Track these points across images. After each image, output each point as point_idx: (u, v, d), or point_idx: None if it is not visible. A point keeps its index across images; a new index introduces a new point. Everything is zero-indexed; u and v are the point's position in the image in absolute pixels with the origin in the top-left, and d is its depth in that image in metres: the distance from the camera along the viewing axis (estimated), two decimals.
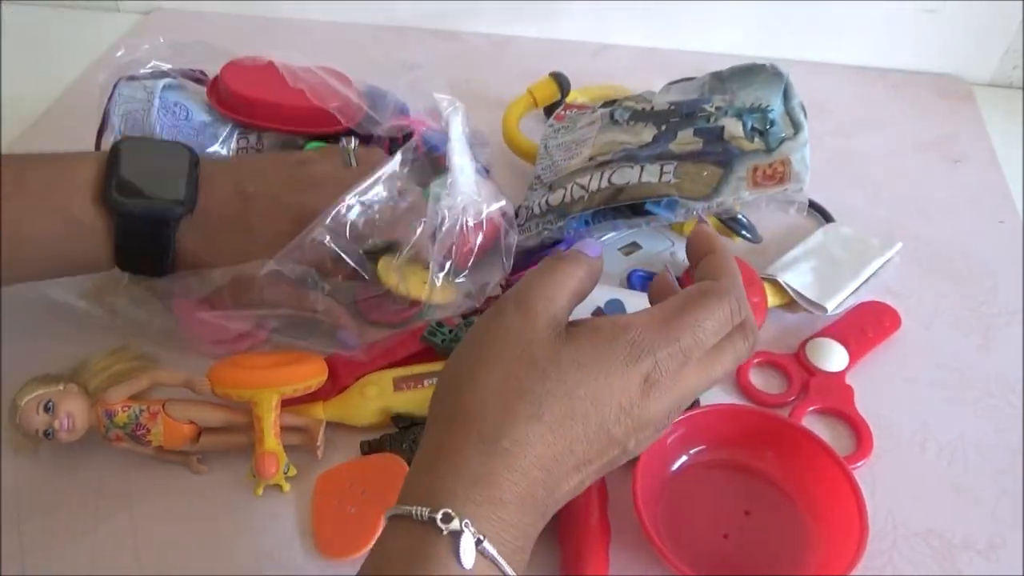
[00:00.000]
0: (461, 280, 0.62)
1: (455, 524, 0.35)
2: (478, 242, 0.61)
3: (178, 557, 0.52)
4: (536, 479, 0.38)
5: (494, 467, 0.37)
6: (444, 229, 0.59)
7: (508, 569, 0.36)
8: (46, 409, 0.53)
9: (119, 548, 0.52)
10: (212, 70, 0.72)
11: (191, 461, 0.56)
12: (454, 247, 0.60)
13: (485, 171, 0.67)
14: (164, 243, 0.57)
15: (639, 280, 0.66)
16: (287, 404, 0.57)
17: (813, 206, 0.76)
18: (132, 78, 0.69)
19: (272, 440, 0.54)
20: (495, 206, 0.62)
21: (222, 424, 0.56)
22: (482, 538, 0.35)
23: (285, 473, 0.54)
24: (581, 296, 0.43)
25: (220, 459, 0.57)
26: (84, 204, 0.55)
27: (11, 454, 0.56)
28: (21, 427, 0.53)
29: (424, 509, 0.35)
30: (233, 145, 0.69)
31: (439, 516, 0.35)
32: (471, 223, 0.60)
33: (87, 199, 0.55)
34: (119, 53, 0.70)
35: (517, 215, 0.70)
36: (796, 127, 0.66)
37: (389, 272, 0.60)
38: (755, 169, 0.63)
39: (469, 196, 0.61)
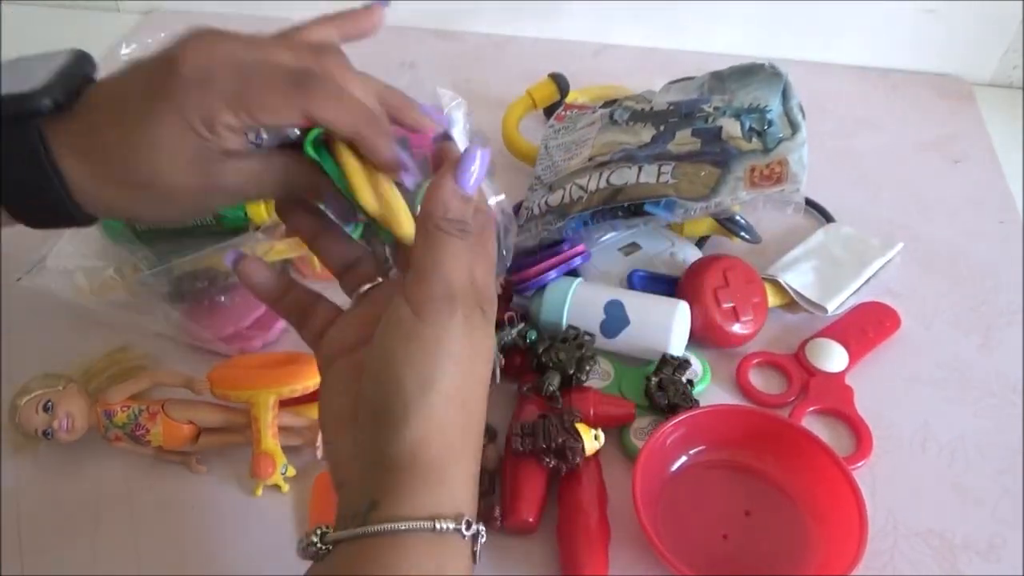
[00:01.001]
0: None
1: (473, 528, 0.36)
2: None
3: (178, 557, 0.52)
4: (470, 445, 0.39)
5: (477, 452, 0.39)
6: None
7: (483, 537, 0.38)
8: (45, 409, 0.53)
9: (119, 548, 0.52)
10: None
11: (190, 461, 0.56)
12: None
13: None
14: (35, 152, 0.40)
15: (639, 280, 0.66)
16: (287, 404, 0.57)
17: (813, 206, 0.76)
18: None
19: (269, 441, 0.54)
20: (493, 200, 0.62)
21: (221, 424, 0.56)
22: (483, 531, 0.37)
23: (283, 473, 0.54)
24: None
25: (219, 459, 0.57)
26: None
27: (11, 454, 0.56)
28: (21, 427, 0.53)
29: (447, 522, 0.36)
30: None
31: (463, 525, 0.36)
32: None
33: None
34: (124, 50, 0.69)
35: (517, 215, 0.70)
36: (794, 127, 0.66)
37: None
38: (752, 169, 0.63)
39: None
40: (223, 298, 0.64)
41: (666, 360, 0.59)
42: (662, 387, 0.58)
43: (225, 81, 0.40)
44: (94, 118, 0.41)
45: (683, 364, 0.59)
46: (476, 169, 0.38)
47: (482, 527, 0.37)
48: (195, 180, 0.41)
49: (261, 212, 0.66)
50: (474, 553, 0.37)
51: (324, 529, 0.37)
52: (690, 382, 0.60)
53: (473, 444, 0.38)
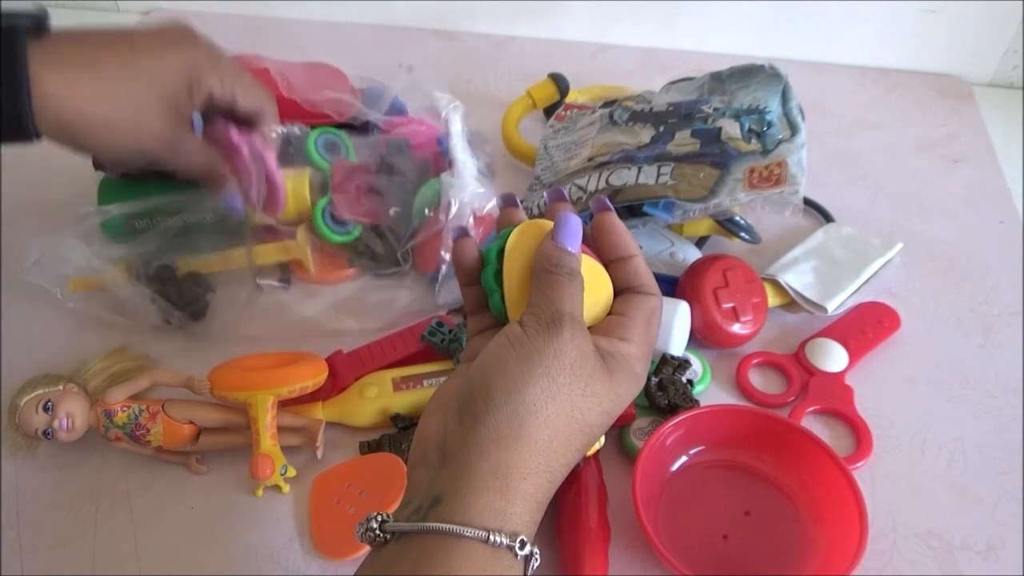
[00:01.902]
0: None
1: (527, 550, 0.37)
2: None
3: (178, 557, 0.52)
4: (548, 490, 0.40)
5: (549, 493, 0.39)
6: (454, 213, 0.61)
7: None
8: (45, 409, 0.53)
9: (119, 548, 0.52)
10: None
11: (190, 461, 0.56)
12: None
13: (488, 171, 0.68)
14: (13, 65, 0.46)
15: None
16: (287, 404, 0.57)
17: (813, 206, 0.76)
18: None
19: (268, 442, 0.54)
20: (492, 203, 0.63)
21: (221, 424, 0.56)
22: (539, 556, 0.38)
23: (283, 474, 0.54)
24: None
25: (219, 459, 0.57)
26: None
27: (11, 454, 0.56)
28: (21, 427, 0.53)
29: (503, 536, 0.36)
30: None
31: (516, 544, 0.36)
32: (471, 219, 0.61)
33: None
34: None
35: None
36: (793, 129, 0.66)
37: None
38: (751, 171, 0.63)
39: (474, 188, 0.62)
40: None
41: (666, 360, 0.59)
42: (662, 387, 0.58)
43: (224, 59, 0.52)
44: (89, 41, 0.50)
45: (683, 364, 0.59)
46: (569, 231, 0.42)
47: (537, 551, 0.37)
48: (162, 125, 0.51)
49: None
50: (527, 573, 0.37)
51: (385, 517, 0.38)
52: (690, 382, 0.60)
53: (547, 468, 0.38)
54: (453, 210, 0.61)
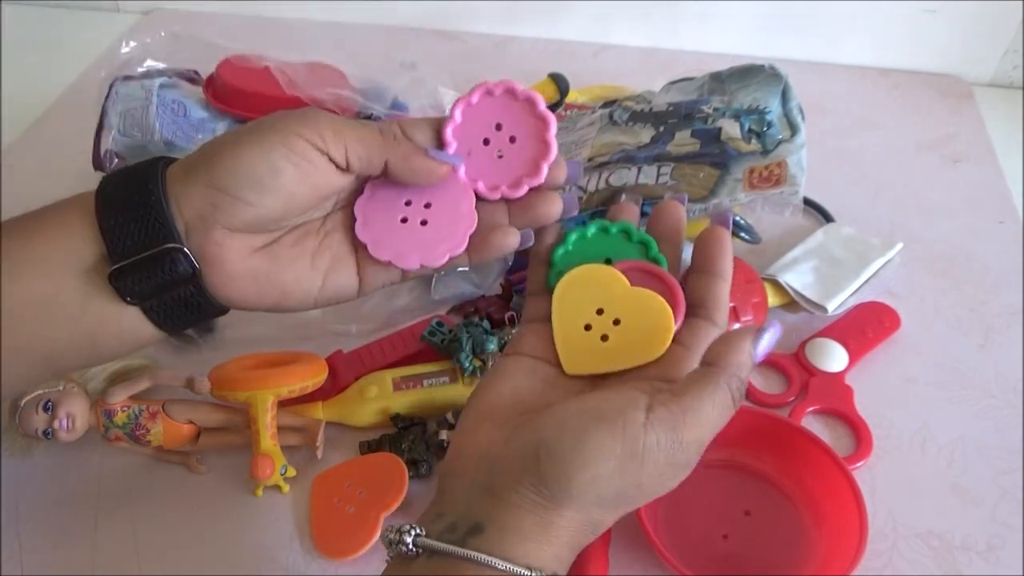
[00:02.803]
0: (464, 270, 0.63)
1: None
2: None
3: (178, 557, 0.52)
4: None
5: (591, 538, 0.39)
6: None
7: None
8: (46, 409, 0.53)
9: (119, 548, 0.52)
10: (208, 69, 0.73)
11: (190, 461, 0.56)
12: None
13: None
14: (148, 196, 0.41)
15: None
16: (287, 404, 0.57)
17: (813, 206, 0.76)
18: (128, 78, 0.70)
19: (268, 442, 0.54)
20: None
21: (221, 424, 0.56)
22: None
23: (283, 474, 0.54)
24: None
25: (219, 459, 0.57)
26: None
27: (11, 454, 0.56)
28: (21, 427, 0.53)
29: (522, 569, 0.36)
30: None
31: (534, 574, 0.36)
32: None
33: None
34: (124, 49, 0.70)
35: None
36: (793, 129, 0.66)
37: None
38: (751, 171, 0.63)
39: None
40: None
41: None
42: None
43: (327, 116, 0.43)
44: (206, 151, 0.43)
45: None
46: (769, 343, 0.40)
47: None
48: (304, 189, 0.42)
49: None
50: None
51: (418, 532, 0.37)
52: None
53: (591, 520, 0.39)
54: None
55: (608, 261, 0.46)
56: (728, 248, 0.44)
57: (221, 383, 0.54)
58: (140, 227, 0.41)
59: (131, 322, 0.43)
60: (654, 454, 0.37)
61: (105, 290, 0.41)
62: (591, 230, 0.46)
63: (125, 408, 0.54)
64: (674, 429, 0.38)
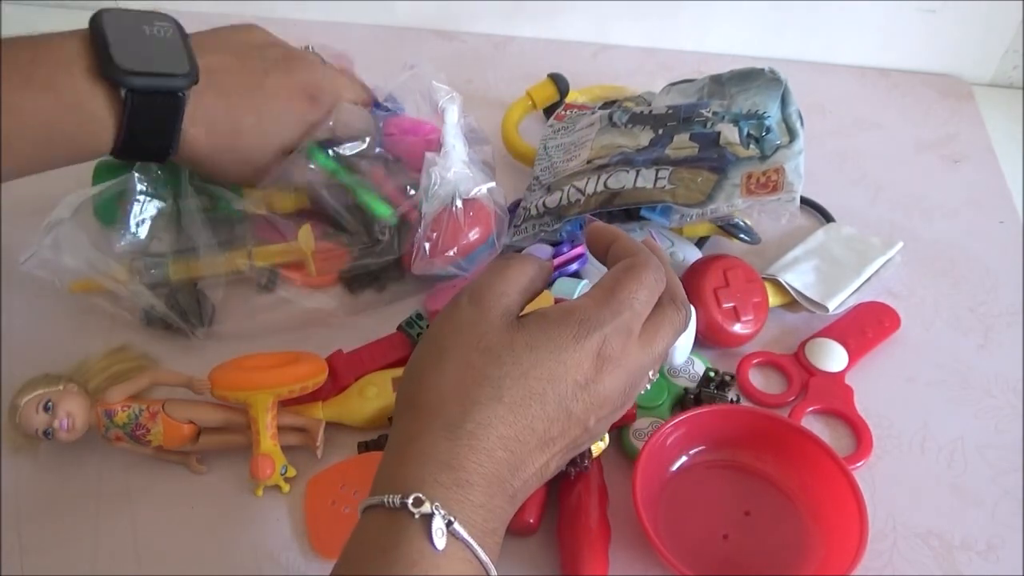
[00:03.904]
0: (456, 269, 0.63)
1: (426, 507, 0.36)
2: (472, 236, 0.62)
3: (178, 557, 0.52)
4: (501, 459, 0.39)
5: (459, 450, 0.38)
6: (435, 189, 0.61)
7: (479, 550, 0.37)
8: (46, 409, 0.53)
9: (119, 548, 0.52)
10: None
11: (190, 461, 0.56)
12: (445, 220, 0.61)
13: (487, 169, 0.68)
14: (174, 123, 0.54)
15: None
16: (287, 404, 0.57)
17: (813, 206, 0.76)
18: None
19: (268, 442, 0.54)
20: (485, 186, 0.63)
21: (221, 424, 0.56)
22: (452, 519, 0.37)
23: (283, 474, 0.54)
24: (532, 294, 0.45)
25: (219, 459, 0.57)
26: (77, 82, 0.52)
27: (11, 454, 0.56)
28: (21, 427, 0.53)
29: (395, 496, 0.36)
30: None
31: (410, 501, 0.36)
32: (459, 203, 0.62)
33: (80, 76, 0.52)
34: None
35: (514, 215, 0.70)
36: (792, 135, 0.66)
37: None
38: (749, 176, 0.63)
39: (461, 171, 0.62)
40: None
41: (709, 376, 0.60)
42: (699, 401, 0.58)
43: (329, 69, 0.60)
44: (217, 92, 0.56)
45: (728, 381, 0.59)
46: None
47: (442, 510, 0.36)
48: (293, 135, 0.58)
49: (259, 200, 0.66)
50: (430, 534, 0.36)
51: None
52: (733, 401, 0.59)
53: (444, 425, 0.39)
54: (434, 187, 0.61)
55: None
56: (600, 225, 0.48)
57: (221, 383, 0.54)
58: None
59: (101, 112, 0.52)
60: (437, 329, 0.43)
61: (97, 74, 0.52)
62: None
63: (125, 408, 0.54)
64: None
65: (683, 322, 0.46)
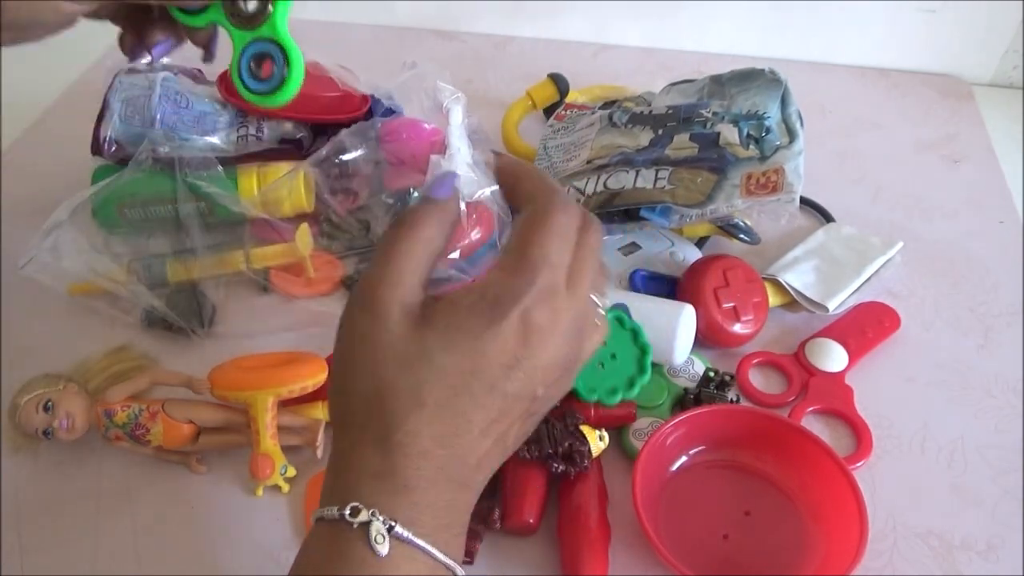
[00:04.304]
0: (455, 271, 0.63)
1: (363, 515, 0.36)
2: (474, 236, 0.62)
3: (178, 557, 0.52)
4: (441, 456, 0.38)
5: (393, 460, 0.37)
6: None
7: (431, 549, 0.37)
8: (46, 409, 0.53)
9: (119, 548, 0.52)
10: (211, 70, 0.73)
11: (190, 461, 0.56)
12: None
13: (489, 169, 0.68)
14: None
15: (642, 280, 0.66)
16: (287, 404, 0.57)
17: (813, 206, 0.76)
18: (132, 71, 0.70)
19: (268, 442, 0.54)
20: (488, 189, 0.63)
21: (221, 424, 0.56)
22: (393, 524, 0.36)
23: (283, 474, 0.54)
24: (435, 255, 0.41)
25: (219, 459, 0.57)
26: None
27: (11, 454, 0.56)
28: (21, 427, 0.53)
29: (333, 508, 0.36)
30: (233, 135, 0.70)
31: (347, 511, 0.36)
32: (463, 206, 0.61)
33: None
34: None
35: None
36: (792, 135, 0.66)
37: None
38: (749, 177, 0.63)
39: (466, 174, 0.62)
40: None
41: (709, 376, 0.60)
42: (699, 401, 0.58)
43: None
44: None
45: (728, 382, 0.59)
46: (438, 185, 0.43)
47: (380, 515, 0.36)
48: None
49: (257, 204, 0.66)
50: (369, 540, 0.35)
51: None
52: (733, 401, 0.59)
53: (376, 436, 0.37)
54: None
55: (613, 357, 0.56)
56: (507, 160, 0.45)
57: (221, 383, 0.54)
58: None
59: None
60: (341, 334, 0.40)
61: None
62: None
63: (125, 408, 0.54)
64: None
65: (599, 236, 0.41)
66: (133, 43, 0.49)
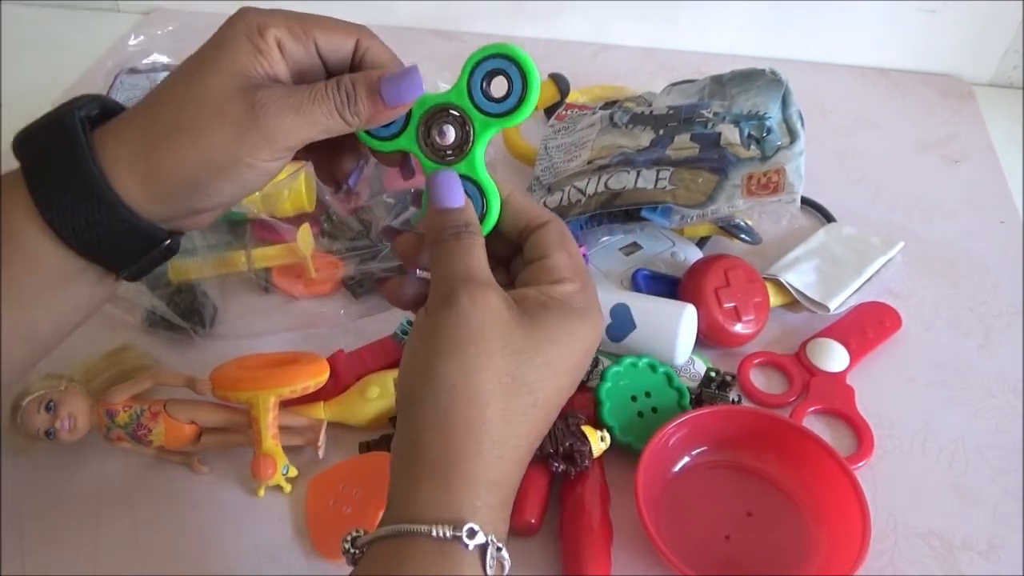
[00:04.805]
0: None
1: (480, 538, 0.35)
2: None
3: (178, 557, 0.52)
4: (527, 458, 0.38)
5: (507, 469, 0.37)
6: None
7: (507, 558, 0.36)
8: (47, 409, 0.53)
9: (120, 548, 0.52)
10: None
11: (192, 461, 0.56)
12: None
13: (492, 171, 0.68)
14: (73, 157, 0.38)
15: (644, 280, 0.66)
16: (288, 404, 0.57)
17: (814, 206, 0.76)
18: (134, 71, 0.70)
19: (269, 442, 0.54)
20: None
21: (223, 424, 0.56)
22: (501, 545, 0.36)
23: (285, 474, 0.54)
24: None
25: (221, 459, 0.57)
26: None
27: (13, 454, 0.56)
28: (23, 427, 0.53)
29: (445, 528, 0.35)
30: None
31: (463, 533, 0.35)
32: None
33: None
34: (132, 42, 0.70)
35: None
36: (792, 136, 0.66)
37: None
38: (750, 177, 0.63)
39: None
40: None
41: (711, 377, 0.60)
42: (700, 402, 0.58)
43: (277, 13, 0.41)
44: (142, 123, 0.40)
45: (729, 382, 0.59)
46: (444, 188, 0.41)
47: (494, 538, 0.35)
48: (239, 109, 0.38)
49: (258, 204, 0.66)
50: (485, 564, 0.35)
51: (355, 534, 0.37)
52: (734, 401, 0.59)
53: (493, 445, 0.36)
54: None
55: (648, 394, 0.58)
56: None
57: (223, 383, 0.54)
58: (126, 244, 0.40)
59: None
60: (448, 332, 0.37)
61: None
62: (623, 365, 0.57)
63: (127, 408, 0.54)
64: (437, 299, 0.39)
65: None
66: (326, 175, 0.46)
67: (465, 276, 0.38)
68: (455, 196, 0.41)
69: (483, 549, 0.35)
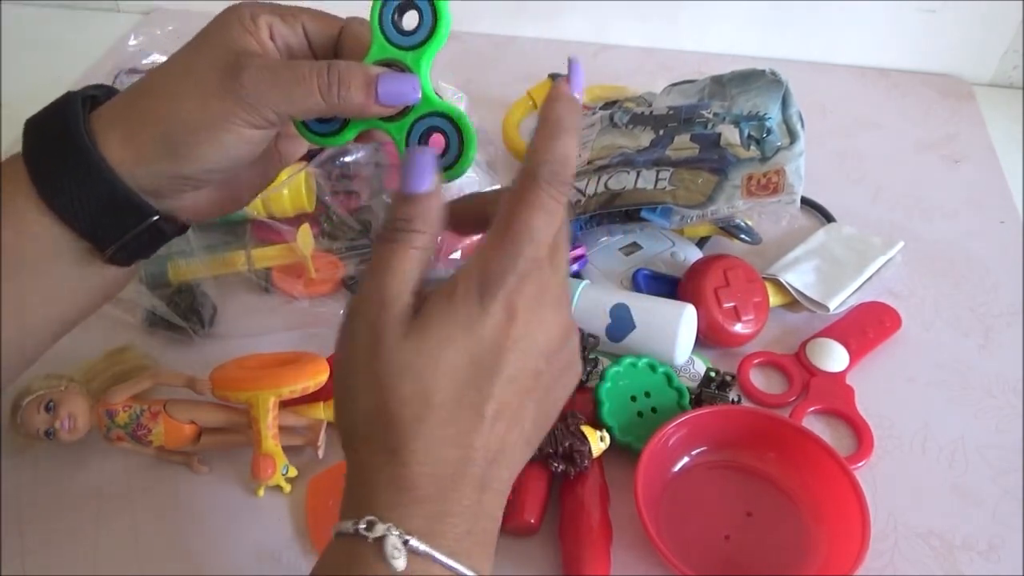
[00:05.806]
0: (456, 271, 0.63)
1: (378, 530, 0.35)
2: (475, 237, 0.62)
3: (178, 557, 0.52)
4: (454, 458, 0.37)
5: (408, 471, 0.36)
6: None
7: (446, 559, 0.36)
8: (47, 409, 0.53)
9: (120, 548, 0.52)
10: None
11: (192, 461, 0.56)
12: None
13: (490, 169, 0.68)
14: (64, 121, 0.40)
15: (644, 280, 0.66)
16: (289, 404, 0.57)
17: (814, 206, 0.76)
18: (134, 71, 0.70)
19: (269, 442, 0.54)
20: (489, 189, 0.63)
21: (223, 424, 0.56)
22: (408, 537, 0.35)
23: (285, 474, 0.54)
24: (427, 260, 0.39)
25: (221, 459, 0.57)
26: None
27: (12, 454, 0.56)
28: (23, 427, 0.53)
29: (350, 522, 0.36)
30: None
31: (362, 525, 0.35)
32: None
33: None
34: (132, 42, 0.69)
35: None
36: (792, 136, 0.66)
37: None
38: (749, 178, 0.63)
39: (467, 176, 0.62)
40: None
41: (710, 377, 0.60)
42: (700, 402, 0.58)
43: (267, 3, 0.42)
44: (130, 93, 0.42)
45: (729, 382, 0.59)
46: (415, 169, 0.39)
47: (393, 529, 0.35)
48: (226, 86, 0.39)
49: (258, 205, 0.66)
50: (387, 558, 0.34)
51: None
52: (734, 401, 0.59)
53: (385, 447, 0.36)
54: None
55: (647, 394, 0.58)
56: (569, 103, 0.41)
57: (223, 383, 0.54)
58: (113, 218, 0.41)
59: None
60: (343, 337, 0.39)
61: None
62: (623, 365, 0.58)
63: (127, 408, 0.54)
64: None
65: (559, 204, 0.38)
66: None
67: (369, 304, 0.37)
68: (423, 180, 0.38)
69: (382, 541, 0.35)
